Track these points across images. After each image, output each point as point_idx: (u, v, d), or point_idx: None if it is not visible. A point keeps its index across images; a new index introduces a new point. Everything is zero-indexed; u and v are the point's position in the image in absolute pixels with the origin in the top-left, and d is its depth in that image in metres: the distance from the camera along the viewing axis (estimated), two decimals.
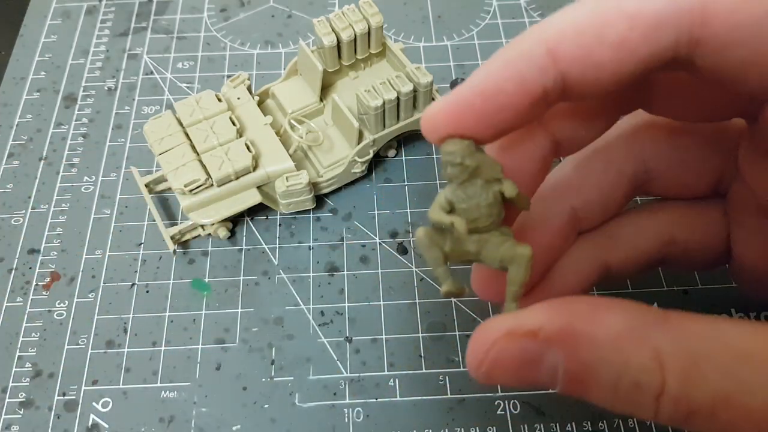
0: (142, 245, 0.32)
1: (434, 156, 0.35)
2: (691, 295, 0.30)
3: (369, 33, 0.33)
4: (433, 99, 0.33)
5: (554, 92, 0.16)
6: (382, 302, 0.30)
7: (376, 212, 0.33)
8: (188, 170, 0.30)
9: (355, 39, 0.33)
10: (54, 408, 0.28)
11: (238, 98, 0.33)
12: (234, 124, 0.31)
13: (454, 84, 0.38)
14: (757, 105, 0.17)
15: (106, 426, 0.27)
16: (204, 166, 0.30)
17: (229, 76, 0.38)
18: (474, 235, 0.18)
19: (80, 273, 0.31)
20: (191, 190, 0.30)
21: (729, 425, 0.15)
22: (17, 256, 0.32)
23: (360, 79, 0.35)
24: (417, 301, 0.30)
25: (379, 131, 0.32)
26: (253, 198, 0.31)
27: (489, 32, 0.40)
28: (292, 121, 0.33)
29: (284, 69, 0.35)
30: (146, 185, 0.32)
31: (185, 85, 0.38)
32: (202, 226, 0.31)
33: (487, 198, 0.18)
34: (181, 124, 0.32)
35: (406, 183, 0.34)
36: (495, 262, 0.18)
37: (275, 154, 0.31)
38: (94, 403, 0.28)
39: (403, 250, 0.32)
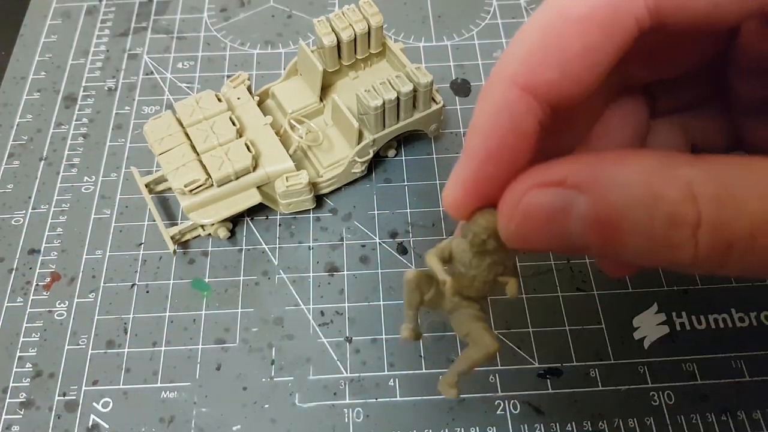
0: (142, 245, 0.32)
1: (434, 156, 0.35)
2: (691, 295, 0.30)
3: (369, 33, 0.33)
4: (433, 99, 0.33)
5: (546, 120, 0.16)
6: (382, 302, 0.30)
7: (375, 212, 0.33)
8: (188, 170, 0.30)
9: (355, 39, 0.33)
10: (54, 408, 0.28)
11: (238, 98, 0.33)
12: (234, 124, 0.31)
13: (453, 84, 0.38)
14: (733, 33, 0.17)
15: (107, 426, 0.27)
16: (204, 167, 0.30)
17: (229, 76, 0.38)
18: (454, 298, 0.19)
19: (80, 273, 0.31)
20: (191, 191, 0.30)
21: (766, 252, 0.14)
22: (17, 257, 0.32)
23: (360, 79, 0.35)
24: None
25: (379, 131, 0.32)
26: (253, 198, 0.31)
27: (489, 32, 0.40)
28: (292, 121, 0.33)
29: (284, 69, 0.35)
30: (146, 185, 0.32)
31: (185, 85, 0.38)
32: (202, 226, 0.31)
33: (486, 277, 0.18)
34: (181, 124, 0.32)
35: (405, 183, 0.34)
36: (461, 331, 0.19)
37: (275, 154, 0.31)
38: (94, 404, 0.28)
39: (402, 250, 0.32)
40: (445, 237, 0.32)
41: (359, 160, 0.32)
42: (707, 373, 0.28)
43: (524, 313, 0.30)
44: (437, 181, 0.34)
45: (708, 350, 0.29)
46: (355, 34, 0.32)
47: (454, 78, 0.38)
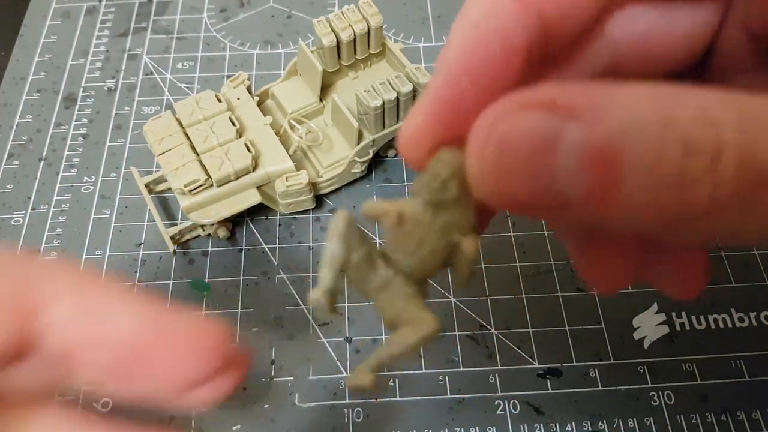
0: (142, 245, 0.32)
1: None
2: None
3: (369, 33, 0.33)
4: None
5: (536, 42, 0.14)
6: None
7: None
8: (188, 170, 0.30)
9: (354, 39, 0.33)
10: None
11: (238, 98, 0.33)
12: (234, 124, 0.31)
13: None
14: None
15: None
16: (204, 167, 0.30)
17: (228, 77, 0.38)
18: (388, 271, 0.15)
19: None
20: (191, 191, 0.30)
21: None
22: None
23: (360, 80, 0.35)
24: None
25: (379, 131, 0.32)
26: (253, 198, 0.31)
27: None
28: (292, 122, 0.33)
29: (284, 69, 0.35)
30: (146, 185, 0.32)
31: (185, 85, 0.38)
32: (202, 227, 0.31)
33: (436, 244, 0.14)
34: (180, 124, 0.32)
35: (405, 183, 0.34)
36: (389, 312, 0.15)
37: (275, 154, 0.31)
38: (94, 404, 0.28)
39: None
40: None
41: (359, 160, 0.32)
42: (707, 373, 0.28)
43: (524, 313, 0.30)
44: None
45: (708, 350, 0.29)
46: (354, 35, 0.32)
47: None
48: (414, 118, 0.14)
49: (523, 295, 0.30)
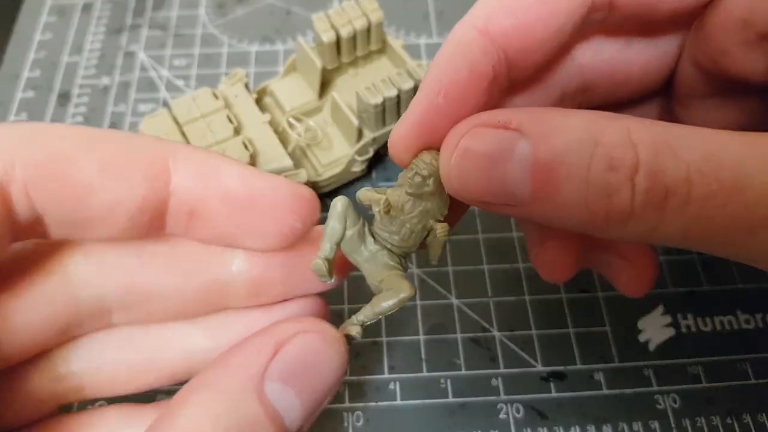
0: None
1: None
2: (697, 296, 0.30)
3: (369, 29, 0.32)
4: None
5: (501, 69, 0.17)
6: None
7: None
8: None
9: (354, 35, 0.32)
10: None
11: (236, 96, 0.33)
12: (231, 122, 0.31)
13: None
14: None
15: None
16: None
17: (226, 74, 0.37)
18: (375, 246, 0.18)
19: None
20: None
21: (704, 204, 0.14)
22: None
23: (360, 77, 0.34)
24: (418, 302, 0.30)
25: (379, 129, 0.31)
26: None
27: None
28: (291, 119, 0.32)
29: (283, 66, 0.35)
30: None
31: (182, 82, 0.37)
32: None
33: (415, 225, 0.18)
34: (177, 122, 0.31)
35: None
36: (375, 278, 0.18)
37: (273, 152, 0.31)
38: (90, 406, 0.27)
39: None
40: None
41: (359, 158, 0.32)
42: (713, 375, 0.28)
43: (527, 316, 0.29)
44: None
45: (713, 352, 0.28)
46: (354, 31, 0.32)
47: None
48: (400, 126, 0.18)
49: (526, 297, 0.30)
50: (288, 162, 0.30)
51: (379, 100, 0.30)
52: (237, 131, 0.31)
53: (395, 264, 0.18)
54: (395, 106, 0.31)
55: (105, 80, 0.38)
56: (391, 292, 0.18)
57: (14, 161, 0.16)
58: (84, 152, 0.16)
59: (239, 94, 0.33)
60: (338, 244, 0.18)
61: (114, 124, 0.36)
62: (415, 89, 0.30)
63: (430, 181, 0.17)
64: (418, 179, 0.17)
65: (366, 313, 0.18)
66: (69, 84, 0.37)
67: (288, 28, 0.40)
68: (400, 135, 0.18)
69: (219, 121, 0.31)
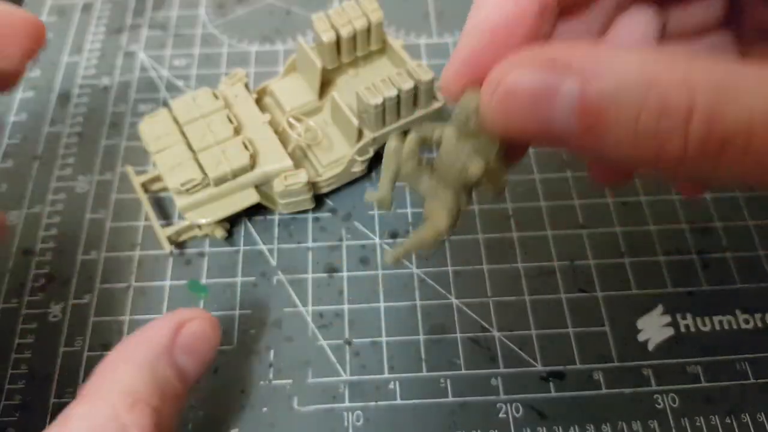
0: (138, 246, 0.31)
1: (434, 155, 0.34)
2: (697, 296, 0.30)
3: (369, 29, 0.32)
4: (434, 97, 0.32)
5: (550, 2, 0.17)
6: (382, 304, 0.30)
7: (375, 212, 0.32)
8: (184, 169, 0.29)
9: (354, 36, 0.32)
10: (50, 410, 0.27)
11: (236, 96, 0.33)
12: (231, 122, 0.31)
13: None
14: None
15: None
16: (201, 165, 0.30)
17: (226, 74, 0.37)
18: (432, 179, 0.19)
19: (75, 274, 0.31)
20: (188, 190, 0.29)
21: (765, 154, 0.13)
22: (12, 258, 0.31)
23: (360, 77, 0.34)
24: (417, 302, 0.30)
25: (380, 129, 0.31)
26: (251, 198, 0.30)
27: None
28: (291, 119, 0.32)
29: (283, 66, 0.35)
30: (142, 185, 0.32)
31: (182, 82, 0.37)
32: (199, 227, 0.31)
33: (463, 163, 0.18)
34: (177, 122, 0.31)
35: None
36: (427, 209, 0.19)
37: (273, 152, 0.31)
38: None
39: None
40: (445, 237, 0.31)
41: (359, 158, 0.32)
42: (712, 375, 0.28)
43: (526, 315, 0.29)
44: None
45: (713, 352, 0.28)
46: (354, 31, 0.32)
47: None
48: (451, 64, 0.18)
49: (526, 297, 0.30)
50: (288, 162, 0.30)
51: (379, 100, 0.30)
52: (237, 131, 0.31)
53: (446, 198, 0.19)
54: (395, 107, 0.31)
55: (105, 80, 0.38)
56: (427, 224, 0.19)
57: None
58: None
59: (239, 94, 0.33)
60: (394, 180, 0.20)
61: (114, 124, 0.36)
62: (415, 89, 0.31)
63: (474, 118, 0.17)
64: (462, 116, 0.17)
65: (408, 245, 0.19)
66: (69, 84, 0.37)
67: (288, 28, 0.40)
68: (448, 76, 0.18)
69: (219, 121, 0.31)
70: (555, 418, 0.27)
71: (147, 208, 0.31)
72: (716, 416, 0.27)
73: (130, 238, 0.32)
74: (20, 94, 0.37)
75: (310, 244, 0.31)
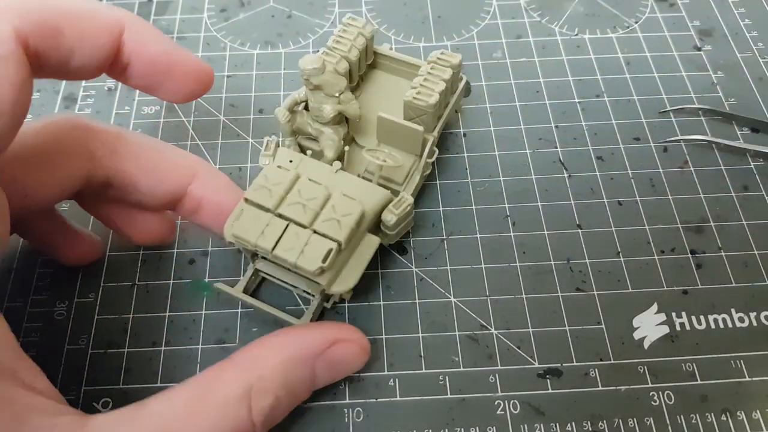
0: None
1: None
2: (691, 295, 0.30)
3: (366, 47, 0.32)
4: (460, 78, 0.32)
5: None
6: (381, 302, 0.30)
7: None
8: (314, 247, 0.25)
9: (359, 56, 0.31)
10: None
11: (290, 161, 0.28)
12: (315, 181, 0.27)
13: None
14: None
15: None
16: (325, 234, 0.25)
17: (228, 76, 0.38)
18: (315, 123, 0.29)
19: (80, 273, 0.31)
20: (328, 264, 0.25)
21: None
22: (18, 257, 0.32)
23: (365, 95, 0.33)
24: (417, 300, 0.30)
25: (436, 125, 0.31)
26: (373, 243, 0.27)
27: (489, 32, 0.40)
28: (366, 153, 0.29)
29: (283, 68, 0.34)
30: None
31: None
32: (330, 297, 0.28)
33: (320, 105, 0.28)
34: (268, 210, 0.26)
35: (469, 179, 0.34)
36: (321, 146, 0.30)
37: (366, 191, 0.28)
38: (94, 404, 0.28)
39: (402, 249, 0.32)
40: (444, 236, 0.32)
41: (430, 161, 0.31)
42: (707, 373, 0.28)
43: (524, 313, 0.30)
44: (437, 182, 0.34)
45: (708, 350, 0.29)
46: (359, 52, 0.31)
47: None
48: None
49: (523, 295, 0.30)
50: (385, 192, 0.28)
51: (435, 98, 0.29)
52: (326, 188, 0.27)
53: (331, 135, 0.30)
54: (442, 99, 0.30)
55: (110, 82, 0.38)
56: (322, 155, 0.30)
57: None
58: None
59: (293, 157, 0.28)
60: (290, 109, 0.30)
61: (118, 126, 0.36)
62: (454, 75, 0.30)
63: (314, 80, 0.28)
64: (305, 82, 0.29)
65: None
66: (74, 86, 0.38)
67: (290, 31, 0.41)
68: None
69: (306, 188, 0.26)
70: (552, 414, 0.27)
71: (261, 306, 0.29)
72: (712, 414, 0.27)
73: None
74: None
75: None
